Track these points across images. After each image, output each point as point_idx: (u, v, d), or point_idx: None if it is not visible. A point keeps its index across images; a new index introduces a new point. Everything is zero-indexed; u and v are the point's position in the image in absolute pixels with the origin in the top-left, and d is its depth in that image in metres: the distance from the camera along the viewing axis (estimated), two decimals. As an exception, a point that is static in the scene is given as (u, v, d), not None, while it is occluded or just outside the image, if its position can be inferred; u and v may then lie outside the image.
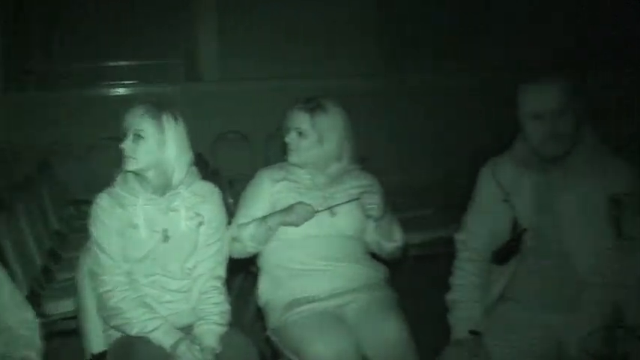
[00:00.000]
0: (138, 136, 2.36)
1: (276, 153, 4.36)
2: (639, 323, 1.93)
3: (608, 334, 1.74)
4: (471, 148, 5.97)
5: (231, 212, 2.74)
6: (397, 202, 3.06)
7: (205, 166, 4.15)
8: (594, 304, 2.18)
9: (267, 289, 2.65)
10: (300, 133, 2.61)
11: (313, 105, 2.61)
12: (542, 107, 2.27)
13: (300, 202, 2.54)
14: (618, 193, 2.23)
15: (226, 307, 2.49)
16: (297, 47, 6.25)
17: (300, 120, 2.61)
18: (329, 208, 2.58)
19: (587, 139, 2.35)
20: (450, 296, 2.48)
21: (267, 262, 2.67)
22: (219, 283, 2.51)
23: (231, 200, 3.62)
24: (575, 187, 2.30)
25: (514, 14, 6.49)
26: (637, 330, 1.87)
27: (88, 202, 2.50)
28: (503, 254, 2.43)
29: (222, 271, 2.55)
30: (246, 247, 2.59)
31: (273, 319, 2.57)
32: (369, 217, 2.58)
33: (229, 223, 2.63)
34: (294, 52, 6.26)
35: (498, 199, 2.45)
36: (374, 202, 2.53)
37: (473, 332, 2.36)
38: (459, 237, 2.55)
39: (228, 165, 5.01)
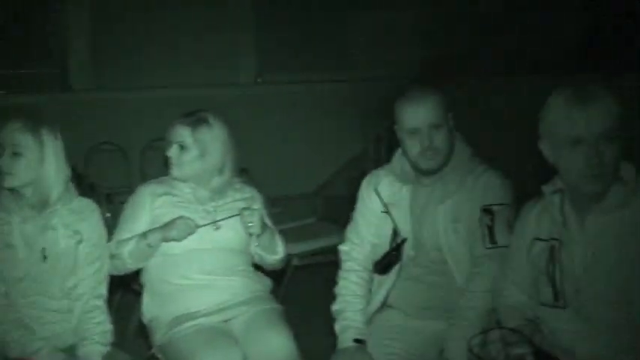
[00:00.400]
0: (16, 153, 2.27)
1: (153, 165, 4.29)
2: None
3: (487, 338, 1.82)
4: (349, 157, 6.12)
5: (108, 227, 2.67)
6: (277, 213, 3.10)
7: (80, 180, 4.02)
8: (472, 310, 2.27)
9: (151, 306, 2.60)
10: (182, 147, 2.58)
11: (195, 119, 2.60)
12: (419, 122, 2.34)
13: (180, 217, 2.51)
14: (490, 204, 2.35)
15: (109, 326, 2.43)
16: (172, 56, 6.16)
17: (182, 134, 2.58)
18: (212, 223, 2.57)
19: (462, 152, 2.45)
20: (334, 306, 2.53)
21: (150, 278, 2.62)
22: (100, 302, 2.45)
23: (108, 215, 3.52)
24: (451, 198, 2.40)
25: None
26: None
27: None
28: (385, 264, 2.51)
29: (103, 290, 2.49)
30: (125, 263, 2.54)
31: (159, 335, 2.53)
32: (249, 234, 2.59)
33: (109, 239, 2.57)
34: (169, 62, 6.16)
35: (378, 210, 2.53)
36: (253, 220, 2.54)
37: (357, 341, 2.41)
38: (343, 248, 2.61)
39: (103, 178, 4.86)
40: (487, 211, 2.35)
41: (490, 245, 2.32)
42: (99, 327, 2.39)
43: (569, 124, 1.79)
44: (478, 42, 6.17)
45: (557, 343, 1.96)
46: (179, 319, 2.48)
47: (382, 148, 5.66)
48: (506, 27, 6.07)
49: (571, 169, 1.84)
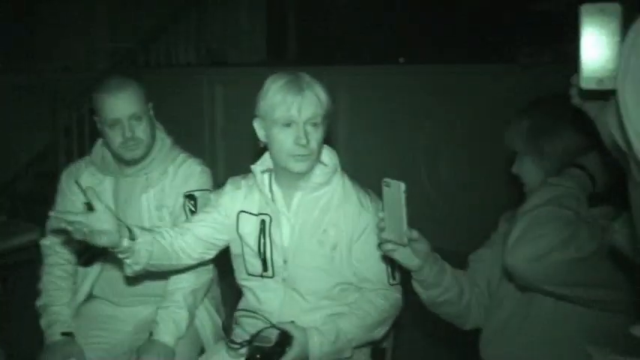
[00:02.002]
0: None
1: None
2: None
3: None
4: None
5: None
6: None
7: None
8: (179, 291, 2.37)
9: None
10: None
11: None
12: (119, 113, 2.35)
13: None
14: (192, 190, 2.48)
15: None
16: None
17: None
18: None
19: (163, 142, 2.53)
20: (39, 302, 2.47)
21: None
22: None
23: None
24: (154, 187, 2.48)
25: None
26: None
27: None
28: (88, 256, 2.51)
29: None
30: None
31: None
32: None
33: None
34: None
35: (80, 202, 2.51)
36: None
37: (65, 334, 2.39)
38: (44, 242, 2.55)
39: None
40: (190, 197, 2.47)
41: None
42: None
43: (284, 107, 1.95)
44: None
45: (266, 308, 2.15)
46: None
47: (73, 140, 5.52)
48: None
49: (282, 149, 1.99)
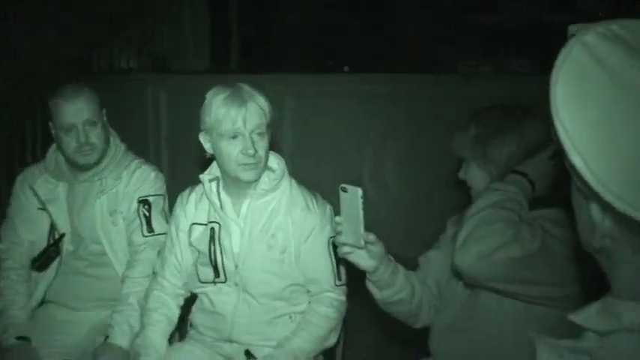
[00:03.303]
0: None
1: None
2: None
3: None
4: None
5: None
6: None
7: None
8: (133, 295, 2.40)
9: None
10: None
11: None
12: (74, 119, 2.38)
13: None
14: (146, 195, 2.52)
15: None
16: None
17: None
18: None
19: (116, 148, 2.56)
20: None
21: None
22: None
23: None
24: (107, 192, 2.50)
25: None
26: None
27: None
28: (43, 260, 2.52)
29: None
30: None
31: None
32: None
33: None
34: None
35: (34, 207, 2.53)
36: None
37: (20, 338, 2.39)
38: (0, 247, 2.54)
39: None
40: (144, 202, 2.51)
41: (148, 234, 2.49)
42: None
43: (229, 121, 2.01)
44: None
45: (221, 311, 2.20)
46: None
47: (15, 147, 5.43)
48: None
49: (230, 160, 2.04)
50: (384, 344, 3.55)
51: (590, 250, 0.96)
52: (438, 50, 5.02)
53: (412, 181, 4.46)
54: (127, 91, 5.75)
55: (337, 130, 4.73)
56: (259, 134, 2.05)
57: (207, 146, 2.11)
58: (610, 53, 0.85)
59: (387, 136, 4.55)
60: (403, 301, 2.01)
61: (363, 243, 1.77)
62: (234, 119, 2.00)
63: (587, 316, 0.95)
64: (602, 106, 0.82)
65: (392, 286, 1.95)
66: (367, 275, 1.93)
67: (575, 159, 0.82)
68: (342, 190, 1.75)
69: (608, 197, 0.80)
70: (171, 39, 6.79)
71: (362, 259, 1.84)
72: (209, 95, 2.07)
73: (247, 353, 2.15)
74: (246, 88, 2.07)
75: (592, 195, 0.83)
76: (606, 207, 0.83)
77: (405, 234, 4.41)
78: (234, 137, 2.02)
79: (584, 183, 0.82)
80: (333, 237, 2.15)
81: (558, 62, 0.87)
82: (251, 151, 2.02)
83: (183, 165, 5.35)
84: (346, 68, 5.10)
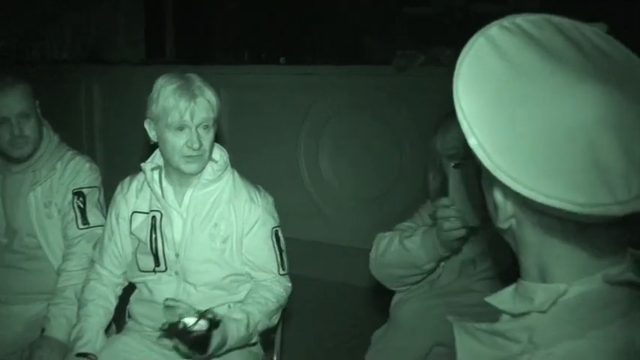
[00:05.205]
0: None
1: None
2: None
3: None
4: None
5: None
6: None
7: None
8: (69, 288, 2.39)
9: None
10: None
11: None
12: (7, 112, 2.35)
13: None
14: (80, 187, 2.50)
15: None
16: None
17: None
18: None
19: (50, 139, 2.54)
20: None
21: None
22: None
23: None
24: (42, 184, 2.48)
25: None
26: None
27: None
28: (-25, 256, 2.48)
29: None
30: None
31: None
32: None
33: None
34: None
35: None
36: None
37: None
38: None
39: None
40: (78, 193, 2.49)
41: (83, 226, 2.47)
42: None
43: (177, 113, 2.00)
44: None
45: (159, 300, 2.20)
46: None
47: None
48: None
49: (174, 151, 2.05)
50: (321, 336, 3.61)
51: (501, 233, 0.99)
52: (374, 41, 5.06)
53: (348, 171, 4.52)
54: (60, 82, 5.65)
55: (272, 122, 4.76)
56: (205, 128, 2.06)
57: (151, 134, 2.11)
58: (509, 43, 0.89)
59: (321, 127, 4.59)
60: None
61: (478, 221, 1.75)
62: (182, 112, 2.01)
63: (502, 298, 0.98)
64: (496, 90, 0.86)
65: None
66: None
67: (472, 141, 0.84)
68: (455, 167, 1.72)
69: (500, 176, 0.83)
70: (105, 29, 6.68)
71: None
72: (158, 83, 2.07)
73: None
74: (196, 80, 2.07)
75: (492, 177, 0.85)
76: (506, 189, 0.85)
77: (343, 223, 4.48)
78: (181, 129, 2.03)
79: (483, 165, 0.85)
80: (277, 227, 2.23)
81: (462, 54, 0.90)
82: (196, 145, 2.03)
83: (118, 156, 5.30)
84: (282, 60, 5.11)
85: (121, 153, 5.22)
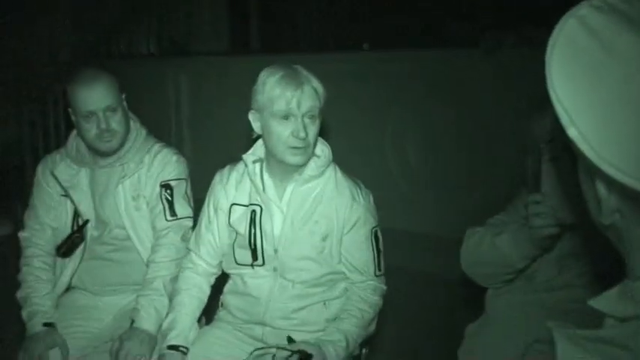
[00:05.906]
0: None
1: None
2: None
3: None
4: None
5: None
6: None
7: None
8: (158, 279, 2.40)
9: None
10: None
11: None
12: (94, 106, 2.36)
13: None
14: (168, 179, 2.51)
15: None
16: None
17: None
18: None
19: (138, 132, 2.55)
20: (19, 294, 2.48)
21: None
22: None
23: None
24: (130, 177, 2.50)
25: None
26: None
27: None
28: (68, 247, 2.53)
29: None
30: None
31: None
32: None
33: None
34: None
35: (57, 194, 2.53)
36: None
37: (47, 324, 2.40)
38: (23, 234, 2.55)
39: None
40: (166, 186, 2.51)
41: (171, 218, 2.49)
42: None
43: (284, 101, 1.98)
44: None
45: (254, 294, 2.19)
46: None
47: (38, 133, 5.47)
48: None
49: (279, 142, 2.02)
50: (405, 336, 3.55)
51: (602, 230, 0.93)
52: (459, 23, 4.94)
53: (436, 160, 4.42)
54: (148, 76, 5.77)
55: (358, 109, 4.70)
56: (311, 117, 2.03)
57: (256, 125, 2.10)
58: (603, 24, 0.83)
59: (411, 115, 4.51)
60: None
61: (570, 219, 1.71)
62: (288, 100, 1.99)
63: (607, 301, 0.91)
64: (594, 76, 0.81)
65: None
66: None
67: (572, 131, 0.80)
68: (550, 160, 1.69)
69: (605, 168, 0.78)
70: (189, 21, 6.78)
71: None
72: (263, 74, 2.05)
73: (290, 339, 2.13)
74: (302, 70, 2.06)
75: (595, 169, 0.81)
76: (610, 181, 0.80)
77: (430, 212, 4.39)
78: (286, 118, 2.01)
79: (584, 157, 0.80)
80: (376, 227, 2.19)
81: (552, 38, 0.85)
82: (302, 134, 2.00)
83: (206, 148, 5.37)
84: (365, 45, 5.05)
85: (210, 144, 5.29)
